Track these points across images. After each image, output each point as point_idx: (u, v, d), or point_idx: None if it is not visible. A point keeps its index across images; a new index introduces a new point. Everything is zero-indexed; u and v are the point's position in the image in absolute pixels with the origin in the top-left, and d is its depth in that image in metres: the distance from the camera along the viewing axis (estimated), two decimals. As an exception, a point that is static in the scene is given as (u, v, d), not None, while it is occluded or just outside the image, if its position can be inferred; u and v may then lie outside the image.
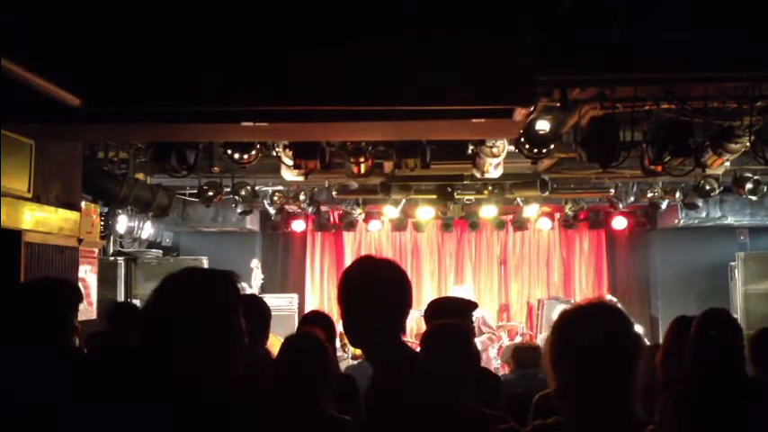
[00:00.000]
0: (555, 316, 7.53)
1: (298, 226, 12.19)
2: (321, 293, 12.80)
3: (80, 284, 6.11)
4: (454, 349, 3.06)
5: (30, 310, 2.97)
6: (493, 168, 6.94)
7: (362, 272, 2.37)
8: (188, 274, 1.96)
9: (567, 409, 1.98)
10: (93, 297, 6.73)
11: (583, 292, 12.65)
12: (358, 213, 11.39)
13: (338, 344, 6.29)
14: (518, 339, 10.57)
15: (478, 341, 8.70)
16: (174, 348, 1.85)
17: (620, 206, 10.31)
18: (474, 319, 8.61)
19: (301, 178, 7.24)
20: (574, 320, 2.01)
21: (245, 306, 3.53)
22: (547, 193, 9.05)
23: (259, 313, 3.70)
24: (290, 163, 6.54)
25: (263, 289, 10.78)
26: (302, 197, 9.59)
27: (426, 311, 4.05)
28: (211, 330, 1.86)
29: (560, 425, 2.00)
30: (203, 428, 1.82)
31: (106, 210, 7.72)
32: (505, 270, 12.88)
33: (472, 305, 4.23)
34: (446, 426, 2.23)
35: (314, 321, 3.91)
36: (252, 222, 11.58)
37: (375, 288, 2.31)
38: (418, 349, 3.06)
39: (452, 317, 3.52)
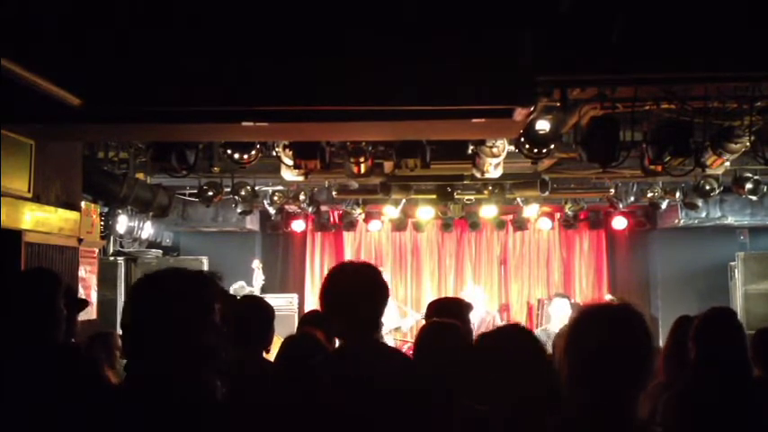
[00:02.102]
0: (554, 311, 7.51)
1: (298, 226, 12.17)
2: (321, 293, 12.76)
3: (80, 284, 6.12)
4: (443, 345, 3.13)
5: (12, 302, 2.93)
6: (493, 168, 6.93)
7: (340, 277, 2.72)
8: (160, 275, 1.98)
9: (574, 408, 1.98)
10: (93, 297, 6.73)
11: (583, 292, 12.63)
12: (358, 213, 11.38)
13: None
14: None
15: None
16: (146, 349, 1.88)
17: (620, 206, 10.30)
18: (486, 321, 8.66)
19: (301, 178, 7.24)
20: (586, 319, 2.01)
21: (249, 307, 3.56)
22: (547, 193, 9.05)
23: (261, 314, 3.70)
24: (290, 163, 6.54)
25: (264, 289, 10.78)
26: (302, 197, 9.58)
27: (427, 312, 4.08)
28: (181, 331, 1.87)
29: (567, 422, 2.00)
30: (174, 428, 1.83)
31: (106, 210, 7.72)
32: (505, 270, 12.87)
33: (467, 306, 4.24)
34: (418, 413, 2.45)
35: (313, 321, 3.91)
36: (252, 222, 11.57)
37: (350, 292, 2.65)
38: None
39: (451, 317, 3.54)
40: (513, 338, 2.58)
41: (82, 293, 6.09)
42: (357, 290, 2.67)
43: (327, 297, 2.71)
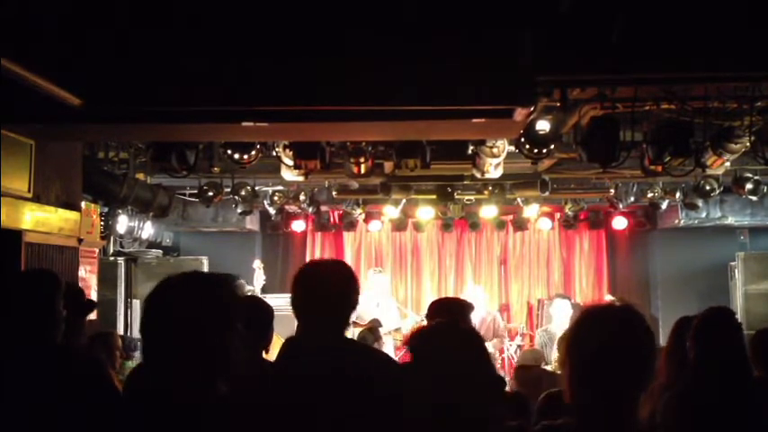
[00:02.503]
0: (555, 311, 7.53)
1: (298, 226, 12.18)
2: (321, 293, 12.74)
3: (80, 284, 6.12)
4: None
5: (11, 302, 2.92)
6: (493, 168, 6.93)
7: (307, 275, 2.79)
8: (176, 278, 1.99)
9: (575, 410, 1.97)
10: (93, 297, 6.72)
11: (583, 292, 12.62)
12: (358, 213, 11.38)
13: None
14: (518, 339, 10.57)
15: (490, 344, 8.73)
16: (149, 352, 1.89)
17: (620, 206, 10.30)
18: (487, 321, 8.68)
19: (301, 178, 7.24)
20: (587, 320, 2.01)
21: (248, 308, 3.56)
22: (547, 193, 9.05)
23: (261, 315, 3.71)
24: (290, 163, 6.54)
25: (264, 289, 10.78)
26: (302, 197, 9.58)
27: (428, 312, 4.09)
28: (196, 334, 1.88)
29: (568, 426, 1.99)
30: (174, 428, 1.83)
31: (106, 210, 7.72)
32: (505, 270, 12.87)
33: (469, 306, 4.24)
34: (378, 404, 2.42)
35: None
36: (252, 222, 11.57)
37: (315, 291, 2.73)
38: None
39: (452, 317, 3.54)
40: (441, 337, 2.59)
41: (82, 294, 6.08)
42: (321, 288, 2.72)
43: (292, 297, 2.77)
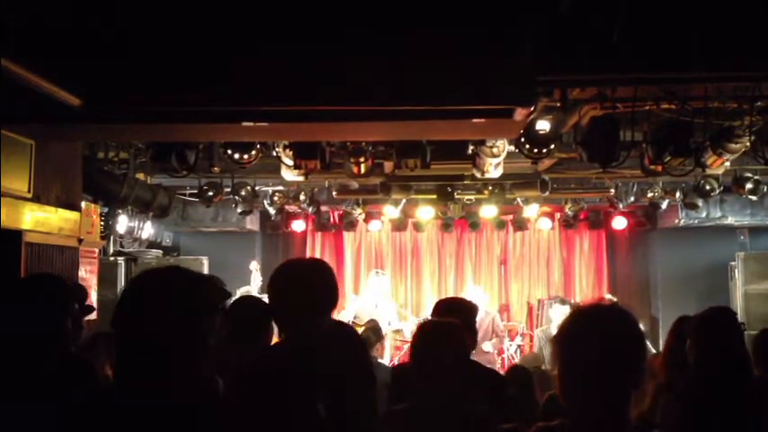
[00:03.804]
0: (554, 314, 7.61)
1: (298, 226, 12.19)
2: (321, 293, 12.74)
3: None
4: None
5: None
6: (493, 168, 6.93)
7: (283, 274, 2.76)
8: (160, 272, 1.94)
9: (569, 411, 1.97)
10: (94, 297, 6.72)
11: (583, 292, 12.63)
12: (358, 213, 11.39)
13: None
14: (518, 339, 10.58)
15: (489, 344, 8.76)
16: (146, 349, 1.84)
17: (620, 206, 10.31)
18: (486, 321, 8.73)
19: (301, 178, 7.24)
20: (576, 321, 2.01)
21: (247, 307, 3.55)
22: (547, 193, 9.05)
23: (261, 314, 3.72)
24: (290, 163, 6.54)
25: (264, 290, 10.77)
26: (302, 197, 9.59)
27: (434, 311, 4.09)
28: (183, 330, 1.83)
29: (564, 427, 1.99)
30: (173, 427, 1.81)
31: (106, 210, 7.72)
32: (505, 270, 12.88)
33: (475, 307, 4.24)
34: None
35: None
36: (252, 222, 11.58)
37: (289, 291, 2.70)
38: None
39: (457, 316, 3.54)
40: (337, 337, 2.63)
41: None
42: (291, 290, 2.70)
43: (269, 295, 2.75)
